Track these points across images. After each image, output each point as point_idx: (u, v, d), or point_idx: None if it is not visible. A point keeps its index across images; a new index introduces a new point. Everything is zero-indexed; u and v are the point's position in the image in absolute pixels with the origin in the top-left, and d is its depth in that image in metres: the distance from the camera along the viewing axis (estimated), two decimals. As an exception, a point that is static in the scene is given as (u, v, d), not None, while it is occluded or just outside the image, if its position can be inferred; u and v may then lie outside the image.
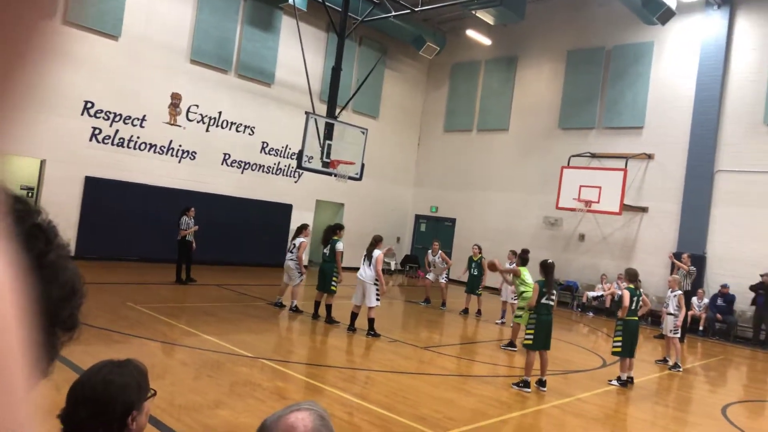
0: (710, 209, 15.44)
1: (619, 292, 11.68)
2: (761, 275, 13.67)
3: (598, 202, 15.74)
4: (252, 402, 5.89)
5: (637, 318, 8.62)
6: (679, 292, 10.17)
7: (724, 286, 14.43)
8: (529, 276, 10.49)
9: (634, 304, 8.50)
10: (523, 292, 10.47)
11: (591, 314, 16.14)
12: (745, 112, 15.14)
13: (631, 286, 8.60)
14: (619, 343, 8.40)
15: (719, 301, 14.42)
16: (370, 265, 9.90)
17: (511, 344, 10.29)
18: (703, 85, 15.73)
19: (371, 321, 9.77)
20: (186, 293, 12.01)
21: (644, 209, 16.59)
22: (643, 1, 15.07)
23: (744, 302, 14.23)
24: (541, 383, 7.59)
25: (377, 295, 9.85)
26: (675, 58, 16.52)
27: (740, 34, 15.50)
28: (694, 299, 14.48)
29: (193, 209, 12.91)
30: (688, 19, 16.24)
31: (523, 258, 10.83)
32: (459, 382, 7.83)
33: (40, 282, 0.52)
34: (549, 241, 18.33)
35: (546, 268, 7.91)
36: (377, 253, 9.93)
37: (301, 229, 11.40)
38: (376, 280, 9.84)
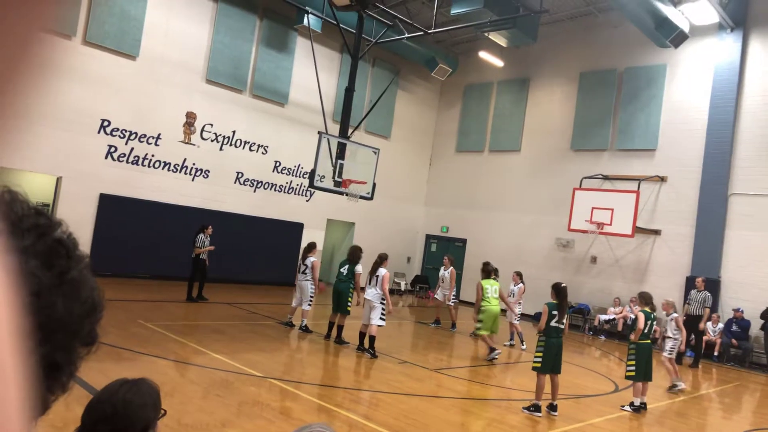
0: (724, 232, 15.28)
1: (632, 316, 11.58)
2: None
3: (610, 224, 15.64)
4: (260, 422, 5.86)
5: (650, 341, 8.51)
6: (675, 314, 10.02)
7: (738, 311, 14.22)
8: (491, 289, 10.56)
9: (647, 328, 8.39)
10: (482, 306, 10.68)
11: (603, 338, 15.95)
12: (760, 135, 15.05)
13: (647, 309, 8.50)
14: (633, 367, 8.27)
15: (734, 327, 14.20)
16: (376, 284, 9.86)
17: (492, 350, 10.68)
18: (717, 108, 15.68)
19: (372, 339, 9.70)
20: (196, 311, 12.03)
21: (657, 232, 16.46)
22: (656, 23, 15.12)
23: (759, 327, 13.98)
24: (552, 407, 7.49)
25: (382, 314, 9.80)
26: (688, 81, 16.51)
27: (753, 57, 15.48)
28: (709, 324, 14.26)
29: (210, 227, 12.95)
30: (701, 42, 16.25)
31: (485, 270, 10.94)
32: (469, 405, 7.74)
33: (61, 298, 0.53)
34: (561, 263, 18.21)
35: (559, 292, 7.82)
36: (383, 271, 9.89)
37: (311, 248, 11.38)
38: (383, 299, 9.79)
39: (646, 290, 9.58)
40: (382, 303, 9.78)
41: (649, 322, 8.40)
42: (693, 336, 13.28)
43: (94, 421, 1.71)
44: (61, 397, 0.57)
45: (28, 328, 0.47)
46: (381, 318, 9.78)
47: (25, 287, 0.49)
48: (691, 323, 13.19)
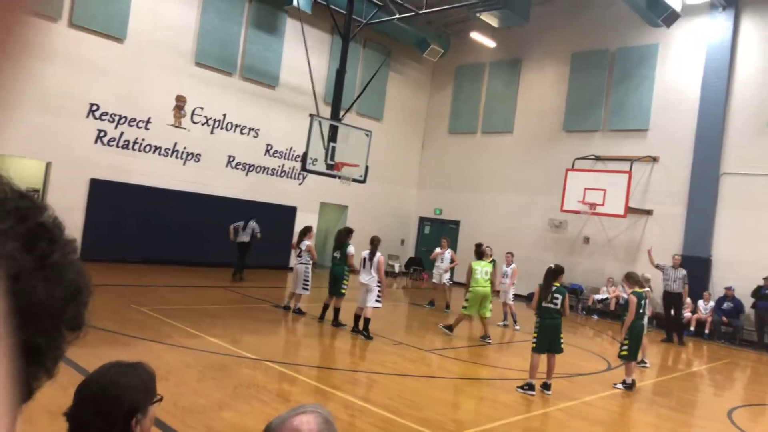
0: (716, 212, 15.37)
1: (624, 296, 11.65)
2: (765, 279, 13.52)
3: (602, 204, 15.70)
4: (256, 404, 5.89)
5: (643, 321, 8.58)
6: (648, 289, 10.13)
7: (729, 289, 14.35)
8: (480, 270, 10.72)
9: (642, 308, 8.44)
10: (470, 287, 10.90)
11: (596, 317, 16.09)
12: (751, 115, 15.09)
13: (638, 289, 8.53)
14: (627, 347, 8.33)
15: (725, 305, 14.34)
16: (371, 267, 9.90)
17: (449, 328, 10.98)
18: (709, 87, 15.68)
19: (367, 321, 9.75)
20: (190, 295, 12.03)
21: (649, 212, 16.53)
22: (647, 3, 15.04)
23: (749, 305, 14.12)
24: (546, 386, 7.56)
25: (378, 297, 9.85)
26: (680, 61, 16.48)
27: (745, 36, 15.45)
28: (700, 302, 14.39)
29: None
30: (693, 21, 16.20)
31: (477, 252, 11.20)
32: (464, 385, 7.81)
33: (42, 282, 0.52)
34: (553, 243, 18.30)
35: (546, 272, 7.87)
36: (378, 255, 9.95)
37: (306, 232, 11.40)
38: (378, 282, 9.84)
39: (638, 270, 9.64)
40: (378, 286, 9.84)
41: (642, 302, 8.46)
42: (673, 312, 13.36)
43: (81, 401, 1.70)
44: (47, 383, 0.56)
45: (6, 312, 0.46)
46: (377, 300, 9.84)
47: (3, 270, 0.47)
48: (670, 300, 13.30)
